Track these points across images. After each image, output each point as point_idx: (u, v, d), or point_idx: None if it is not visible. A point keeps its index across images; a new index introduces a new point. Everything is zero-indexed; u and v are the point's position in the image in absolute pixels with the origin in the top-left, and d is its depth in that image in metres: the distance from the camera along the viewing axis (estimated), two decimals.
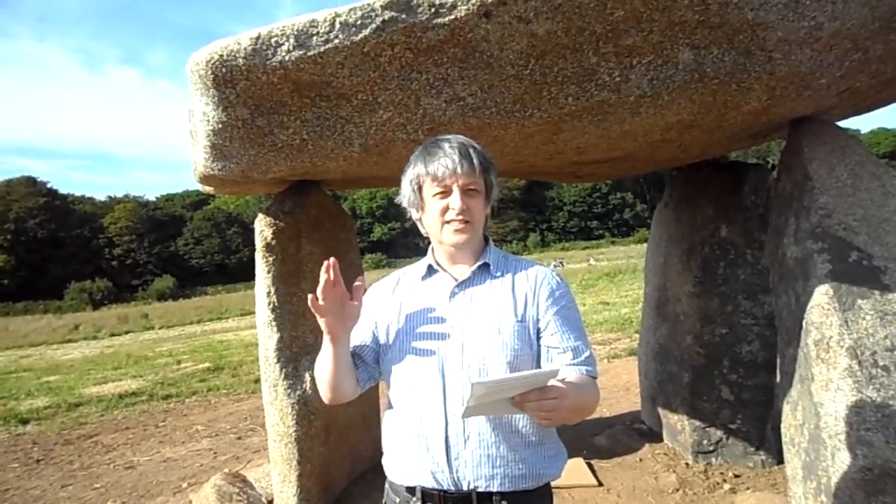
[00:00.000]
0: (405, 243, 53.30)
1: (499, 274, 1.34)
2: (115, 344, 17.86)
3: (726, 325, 3.37)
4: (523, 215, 61.90)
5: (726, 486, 3.14)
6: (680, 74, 2.08)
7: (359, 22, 1.94)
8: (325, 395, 1.36)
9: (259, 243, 2.96)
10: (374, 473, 3.45)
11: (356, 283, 1.32)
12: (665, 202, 3.87)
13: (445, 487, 1.25)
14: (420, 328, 1.31)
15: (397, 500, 1.34)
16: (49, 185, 56.85)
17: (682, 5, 1.87)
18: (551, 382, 1.09)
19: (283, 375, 2.91)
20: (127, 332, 22.64)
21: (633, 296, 13.46)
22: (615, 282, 19.24)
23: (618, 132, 2.41)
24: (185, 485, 4.13)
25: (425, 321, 1.31)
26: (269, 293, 2.94)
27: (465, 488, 1.24)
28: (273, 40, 2.04)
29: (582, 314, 1.40)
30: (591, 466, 3.49)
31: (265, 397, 3.00)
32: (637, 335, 5.24)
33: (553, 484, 1.35)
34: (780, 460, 3.10)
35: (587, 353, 1.29)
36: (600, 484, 3.30)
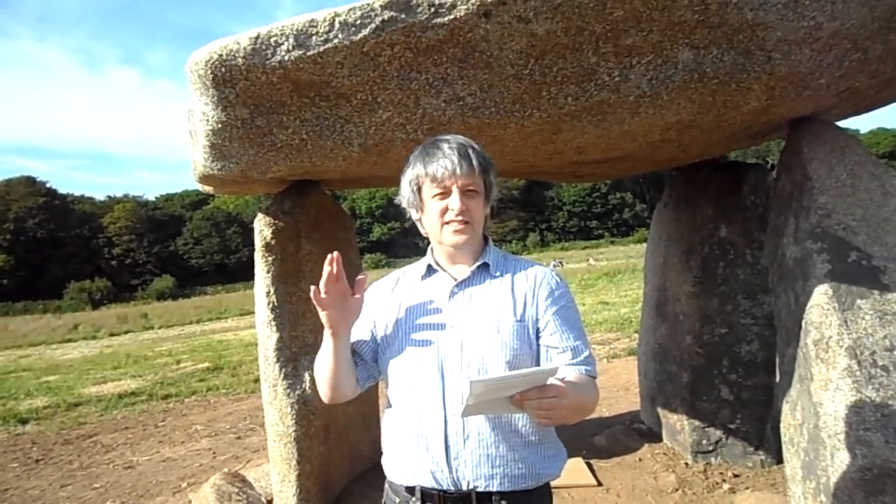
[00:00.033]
0: (404, 243, 53.29)
1: (498, 274, 1.34)
2: (114, 344, 17.85)
3: (726, 325, 3.37)
4: (523, 215, 61.90)
5: (725, 486, 3.15)
6: (679, 74, 2.08)
7: (358, 22, 1.94)
8: (324, 393, 1.36)
9: (258, 243, 2.96)
10: (373, 473, 3.45)
11: (359, 277, 1.32)
12: (664, 202, 3.87)
13: (445, 487, 1.25)
14: (419, 327, 1.31)
15: (397, 500, 1.33)
16: (48, 185, 56.91)
17: (681, 5, 1.87)
18: (551, 381, 1.09)
19: (282, 375, 2.91)
20: (126, 332, 22.63)
21: (632, 296, 13.46)
22: (614, 282, 19.25)
23: (617, 132, 2.41)
24: (184, 484, 4.13)
25: (424, 320, 1.31)
26: (268, 293, 2.94)
27: (464, 488, 1.24)
28: (272, 40, 2.04)
29: (581, 314, 1.40)
30: (590, 466, 3.49)
31: (264, 397, 3.00)
32: (636, 335, 5.24)
33: (553, 484, 1.35)
34: (779, 460, 3.10)
35: (586, 353, 1.29)
36: (600, 484, 3.30)
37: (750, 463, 3.34)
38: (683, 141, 2.73)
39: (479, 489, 1.24)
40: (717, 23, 1.93)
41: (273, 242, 2.95)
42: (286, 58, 2.04)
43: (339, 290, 1.26)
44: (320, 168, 2.62)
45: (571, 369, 1.25)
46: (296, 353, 2.97)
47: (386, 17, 1.91)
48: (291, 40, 2.02)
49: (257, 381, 4.89)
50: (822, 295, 2.09)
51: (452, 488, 1.24)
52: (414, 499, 1.29)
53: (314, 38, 2.00)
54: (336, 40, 1.98)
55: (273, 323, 2.92)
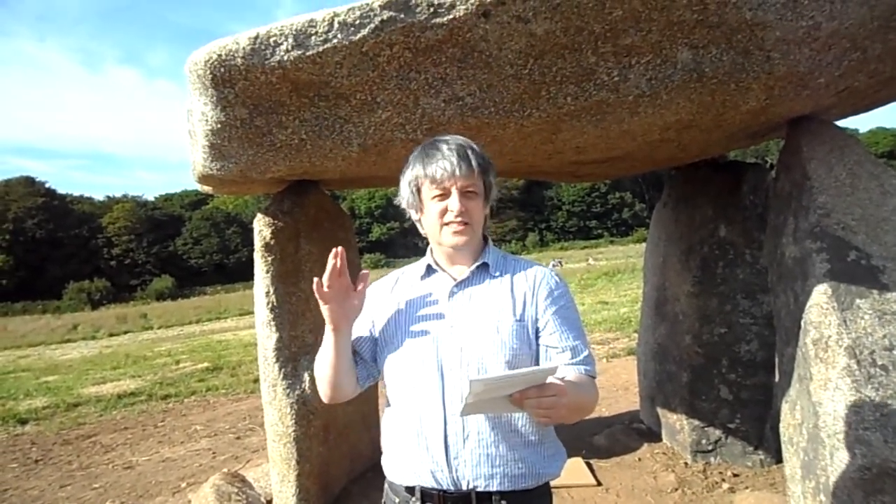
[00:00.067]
0: (404, 243, 53.31)
1: (498, 274, 1.34)
2: (113, 344, 17.84)
3: (725, 325, 3.37)
4: (522, 215, 61.91)
5: (725, 486, 3.15)
6: (678, 74, 2.08)
7: (357, 22, 1.94)
8: (324, 393, 1.36)
9: (258, 243, 2.96)
10: (373, 473, 3.45)
11: (362, 272, 1.33)
12: (664, 202, 3.87)
13: (445, 487, 1.25)
14: (419, 327, 1.31)
15: (397, 499, 1.33)
16: (47, 185, 56.95)
17: (680, 5, 1.87)
18: (550, 380, 1.09)
19: (281, 375, 2.91)
20: (125, 332, 22.63)
21: (631, 295, 13.46)
22: (614, 281, 19.26)
23: (616, 132, 2.41)
24: (183, 485, 4.12)
25: (424, 320, 1.32)
26: (267, 293, 2.94)
27: (464, 488, 1.24)
28: (272, 40, 2.04)
29: (581, 314, 1.40)
30: (590, 466, 3.50)
31: (264, 397, 3.00)
32: (636, 335, 5.24)
33: (552, 483, 1.35)
34: (778, 460, 3.11)
35: (586, 353, 1.29)
36: (599, 483, 3.30)
37: (749, 462, 3.34)
38: (683, 140, 2.73)
39: (478, 489, 1.24)
40: (715, 22, 1.93)
41: (272, 242, 2.95)
42: (285, 58, 2.04)
43: (342, 284, 1.27)
44: (319, 168, 2.62)
45: (571, 369, 1.25)
46: (295, 353, 2.96)
47: (385, 17, 1.91)
48: (290, 40, 2.02)
49: (257, 381, 4.89)
50: (821, 294, 2.09)
51: (452, 488, 1.24)
52: (414, 499, 1.29)
53: (313, 38, 2.00)
54: (335, 40, 1.98)
55: (272, 323, 2.92)
